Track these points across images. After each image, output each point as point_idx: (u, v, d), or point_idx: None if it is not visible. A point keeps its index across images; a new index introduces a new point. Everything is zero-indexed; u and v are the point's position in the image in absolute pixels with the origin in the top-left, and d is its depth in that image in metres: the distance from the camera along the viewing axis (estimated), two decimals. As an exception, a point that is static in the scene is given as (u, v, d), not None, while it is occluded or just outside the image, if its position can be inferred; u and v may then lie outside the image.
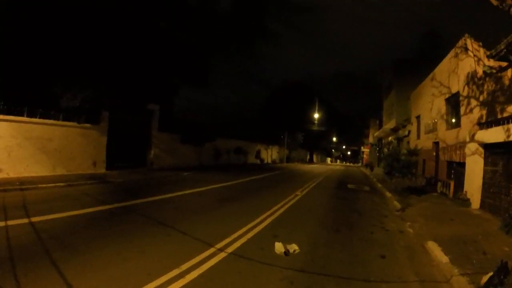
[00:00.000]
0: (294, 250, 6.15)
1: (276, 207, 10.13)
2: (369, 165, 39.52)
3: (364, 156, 64.71)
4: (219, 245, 6.23)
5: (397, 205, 10.93)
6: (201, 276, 4.88)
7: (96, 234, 6.60)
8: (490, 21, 9.40)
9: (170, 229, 7.16)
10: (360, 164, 55.59)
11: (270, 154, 51.48)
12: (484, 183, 10.44)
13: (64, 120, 15.40)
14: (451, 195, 12.70)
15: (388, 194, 13.67)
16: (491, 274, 4.48)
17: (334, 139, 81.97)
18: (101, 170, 17.28)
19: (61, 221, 7.40)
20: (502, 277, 4.25)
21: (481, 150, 10.49)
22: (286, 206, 10.51)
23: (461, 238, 6.70)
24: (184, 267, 5.13)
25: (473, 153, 10.78)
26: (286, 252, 5.98)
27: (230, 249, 6.09)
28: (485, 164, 10.40)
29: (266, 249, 6.18)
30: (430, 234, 7.14)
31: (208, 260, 5.51)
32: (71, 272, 4.59)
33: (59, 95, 15.44)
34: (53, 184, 11.68)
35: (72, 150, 15.82)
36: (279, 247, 6.09)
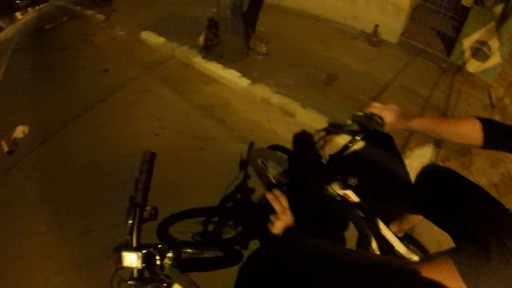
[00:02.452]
0: (23, 131, 4.62)
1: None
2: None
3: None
4: None
5: (101, 17, 9.35)
6: None
7: None
8: None
9: None
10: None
11: None
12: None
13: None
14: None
15: (89, 12, 11.50)
16: (204, 33, 4.45)
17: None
18: None
19: None
20: (214, 31, 4.26)
21: None
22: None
23: (172, 17, 6.49)
24: None
25: None
26: (10, 151, 4.27)
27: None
28: None
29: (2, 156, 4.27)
30: (142, 27, 6.49)
31: None
32: None
33: None
34: None
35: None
36: (5, 145, 4.36)
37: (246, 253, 1.91)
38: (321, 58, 4.36)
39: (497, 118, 4.41)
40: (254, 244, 2.16)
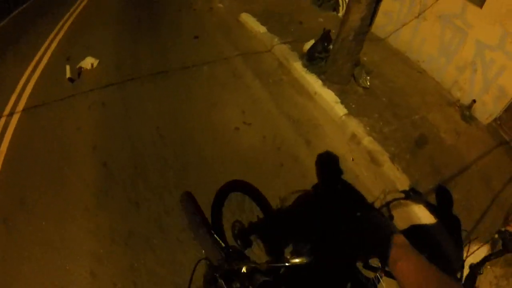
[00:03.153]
0: (92, 64, 4.43)
1: (60, 24, 6.59)
2: None
3: None
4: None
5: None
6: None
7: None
8: None
9: None
10: None
11: None
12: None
13: None
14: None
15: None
16: (312, 41, 4.37)
17: None
18: None
19: None
20: (325, 44, 4.18)
21: None
22: (71, 19, 7.02)
23: (275, 11, 6.38)
24: None
25: None
26: (72, 78, 4.20)
27: (21, 104, 3.95)
28: None
29: (61, 80, 4.24)
30: (242, 8, 6.44)
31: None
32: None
33: None
34: None
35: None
36: (68, 70, 4.25)
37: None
38: (417, 114, 4.26)
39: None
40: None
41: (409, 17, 5.79)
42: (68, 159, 3.04)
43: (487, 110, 4.98)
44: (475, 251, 1.80)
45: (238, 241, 1.85)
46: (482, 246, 1.96)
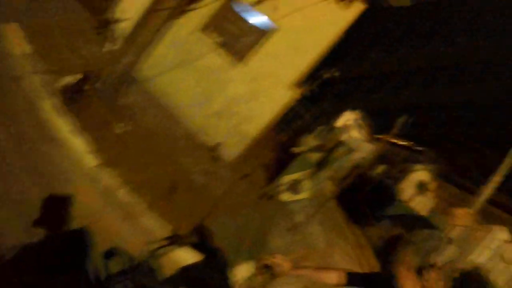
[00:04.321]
0: None
1: None
2: None
3: None
4: None
5: None
6: None
7: None
8: None
9: None
10: None
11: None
12: None
13: None
14: None
15: None
16: (70, 77, 3.88)
17: None
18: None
19: None
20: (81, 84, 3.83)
21: None
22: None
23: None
24: None
25: None
26: None
27: None
28: None
29: None
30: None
31: None
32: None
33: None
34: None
35: None
36: None
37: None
38: (169, 159, 4.60)
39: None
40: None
41: (172, 64, 6.15)
42: None
43: (231, 151, 6.15)
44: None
45: None
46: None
